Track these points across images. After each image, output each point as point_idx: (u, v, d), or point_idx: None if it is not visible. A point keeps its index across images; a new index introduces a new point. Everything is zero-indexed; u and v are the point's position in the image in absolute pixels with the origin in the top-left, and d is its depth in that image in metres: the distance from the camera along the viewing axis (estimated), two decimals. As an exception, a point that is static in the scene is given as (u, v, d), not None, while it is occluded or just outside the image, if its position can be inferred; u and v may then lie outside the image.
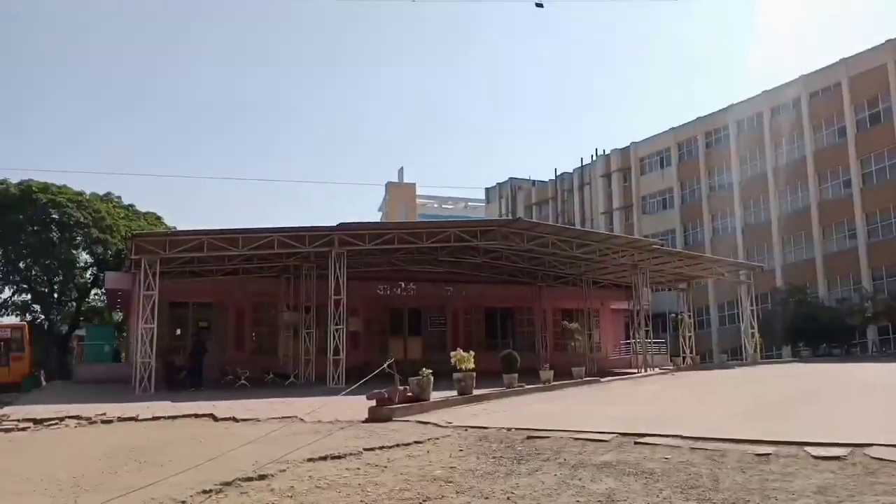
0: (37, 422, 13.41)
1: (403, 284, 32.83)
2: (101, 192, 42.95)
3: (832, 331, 38.12)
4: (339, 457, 8.73)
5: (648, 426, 9.99)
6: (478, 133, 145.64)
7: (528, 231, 25.80)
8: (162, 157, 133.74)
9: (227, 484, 7.38)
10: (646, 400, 15.10)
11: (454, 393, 14.10)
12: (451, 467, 7.99)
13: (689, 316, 32.31)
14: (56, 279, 39.16)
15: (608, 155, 69.64)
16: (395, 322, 34.54)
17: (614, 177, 68.26)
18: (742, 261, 36.83)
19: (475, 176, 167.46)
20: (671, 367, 27.20)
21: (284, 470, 8.01)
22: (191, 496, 6.94)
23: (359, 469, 8.10)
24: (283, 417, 12.91)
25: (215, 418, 13.47)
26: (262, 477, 7.67)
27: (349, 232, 23.25)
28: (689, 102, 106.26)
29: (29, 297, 40.99)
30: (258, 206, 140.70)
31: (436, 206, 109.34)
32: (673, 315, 31.82)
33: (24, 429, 12.96)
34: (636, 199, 65.03)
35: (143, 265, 20.97)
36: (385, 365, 12.87)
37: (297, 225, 22.49)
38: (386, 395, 11.97)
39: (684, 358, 30.44)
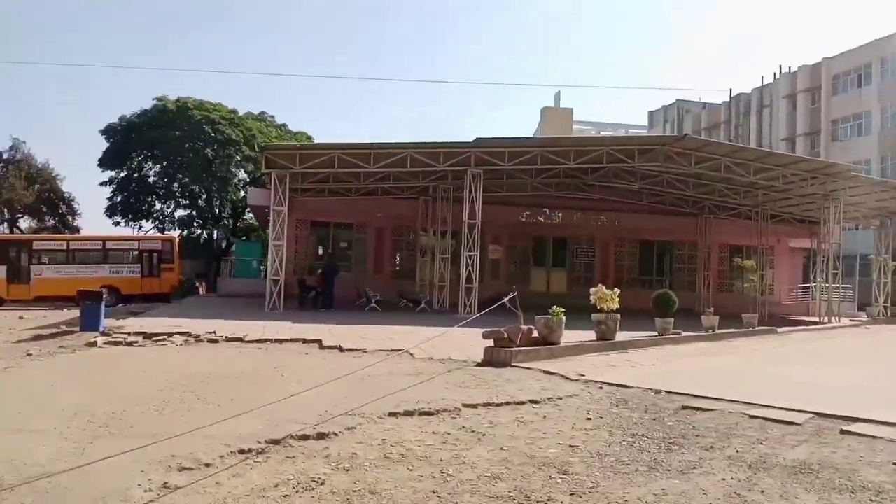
0: (146, 336, 12.83)
1: (548, 211, 30.29)
2: (256, 112, 43.58)
3: None
4: (429, 413, 6.83)
5: (856, 404, 7.17)
6: (641, 52, 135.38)
7: (697, 151, 22.14)
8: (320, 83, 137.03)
9: (276, 442, 5.72)
10: (841, 361, 11.93)
11: (593, 336, 11.75)
12: (572, 446, 5.81)
13: (889, 260, 27.14)
14: (214, 195, 40.50)
15: (795, 72, 61.12)
16: (539, 252, 32.25)
17: (800, 98, 59.96)
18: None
19: (639, 102, 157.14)
20: (863, 319, 22.79)
21: (354, 428, 6.23)
22: (221, 456, 5.32)
23: (448, 434, 6.14)
24: (392, 350, 11.29)
25: (321, 345, 12.19)
26: (321, 436, 5.93)
27: (487, 149, 21.00)
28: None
29: (190, 212, 42.92)
30: (414, 129, 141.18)
31: (594, 132, 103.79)
32: (869, 256, 26.75)
33: (131, 343, 12.37)
34: (825, 124, 56.80)
35: (272, 179, 20.10)
36: (506, 298, 10.72)
37: (431, 140, 20.53)
38: (506, 335, 9.88)
39: (883, 310, 25.61)
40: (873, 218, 28.18)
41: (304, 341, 12.51)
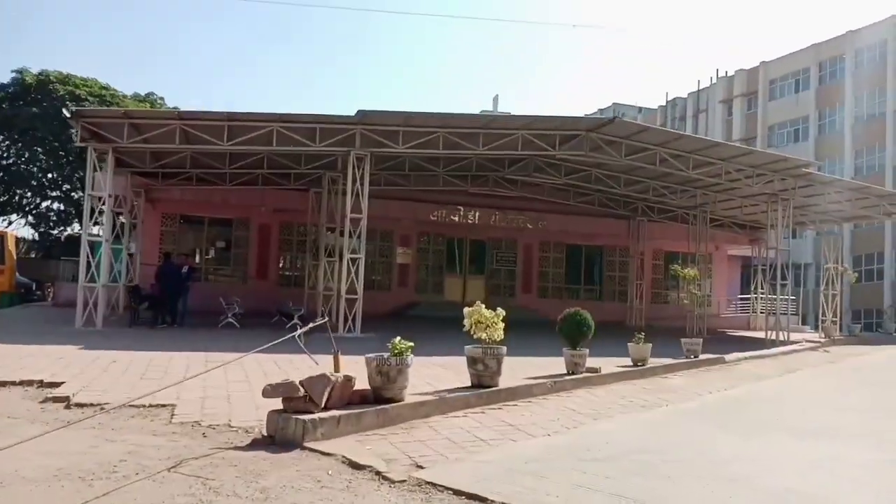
0: None
1: (463, 210, 26.41)
2: (145, 93, 38.29)
3: None
4: None
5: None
6: (578, 56, 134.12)
7: (629, 139, 18.58)
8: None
9: None
10: (823, 418, 8.19)
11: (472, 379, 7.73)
12: None
13: (849, 269, 24.39)
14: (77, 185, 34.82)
15: (731, 76, 59.48)
16: (454, 256, 28.32)
17: (736, 102, 58.29)
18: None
19: (577, 107, 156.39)
20: (819, 339, 19.63)
21: None
22: None
23: None
24: (151, 406, 7.02)
25: (42, 387, 7.89)
26: None
27: (374, 126, 16.90)
28: (837, 15, 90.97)
29: (67, 207, 37.33)
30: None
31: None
32: (807, 265, 23.83)
33: None
34: (761, 130, 55.08)
35: (89, 156, 15.44)
36: (303, 330, 6.65)
37: (302, 112, 16.30)
38: (302, 392, 5.76)
39: (832, 325, 22.62)
40: (823, 223, 25.36)
41: (18, 384, 8.12)
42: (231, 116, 15.99)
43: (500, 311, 7.53)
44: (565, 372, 9.09)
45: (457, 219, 26.43)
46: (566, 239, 29.07)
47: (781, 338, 19.33)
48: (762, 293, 24.41)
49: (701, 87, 63.09)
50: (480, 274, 28.46)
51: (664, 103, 66.96)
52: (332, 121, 16.70)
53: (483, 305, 7.65)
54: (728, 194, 23.33)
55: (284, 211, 25.06)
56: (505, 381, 7.89)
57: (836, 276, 23.78)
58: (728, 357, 12.65)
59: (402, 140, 17.29)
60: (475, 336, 7.54)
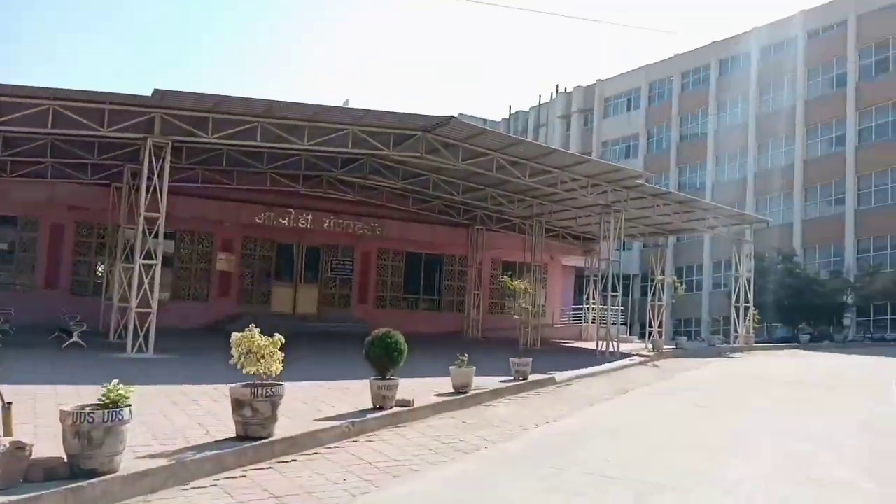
0: None
1: (294, 213, 24.32)
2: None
3: (823, 310, 31.60)
4: None
5: None
6: (422, 68, 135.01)
7: (467, 142, 17.56)
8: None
9: None
10: (697, 465, 7.11)
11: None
12: None
13: (678, 281, 25.04)
14: None
15: (570, 93, 61.69)
16: (284, 263, 26.12)
17: (574, 118, 60.49)
18: (747, 212, 29.34)
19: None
20: (648, 352, 19.66)
21: None
22: None
23: None
24: None
25: None
26: None
27: (177, 110, 14.56)
28: (668, 40, 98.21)
29: None
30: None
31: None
32: (661, 277, 24.23)
33: None
34: (596, 145, 57.43)
35: None
36: None
37: (89, 90, 13.65)
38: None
39: (658, 335, 23.03)
40: (651, 235, 25.96)
41: None
42: (-12, 88, 13.01)
43: (278, 338, 5.84)
44: (371, 406, 7.55)
45: (286, 222, 24.28)
46: (406, 247, 27.83)
47: (612, 349, 19.15)
48: (594, 303, 24.49)
49: (542, 102, 64.92)
50: (313, 283, 26.45)
51: (507, 116, 68.25)
52: (124, 101, 14.17)
53: (258, 330, 5.91)
54: (564, 205, 23.15)
55: (81, 208, 21.70)
56: (288, 426, 6.21)
57: (663, 288, 24.34)
58: (559, 377, 11.75)
59: (211, 128, 15.08)
60: (245, 371, 5.79)
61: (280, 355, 5.84)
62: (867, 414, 10.04)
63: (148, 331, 14.13)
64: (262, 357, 5.72)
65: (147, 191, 14.52)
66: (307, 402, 8.57)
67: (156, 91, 13.60)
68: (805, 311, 31.48)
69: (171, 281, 23.95)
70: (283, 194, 23.42)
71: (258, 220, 23.87)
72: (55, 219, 21.88)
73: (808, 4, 44.23)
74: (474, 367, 9.24)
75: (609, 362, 15.94)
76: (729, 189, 45.98)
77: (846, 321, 34.86)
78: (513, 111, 68.39)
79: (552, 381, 11.32)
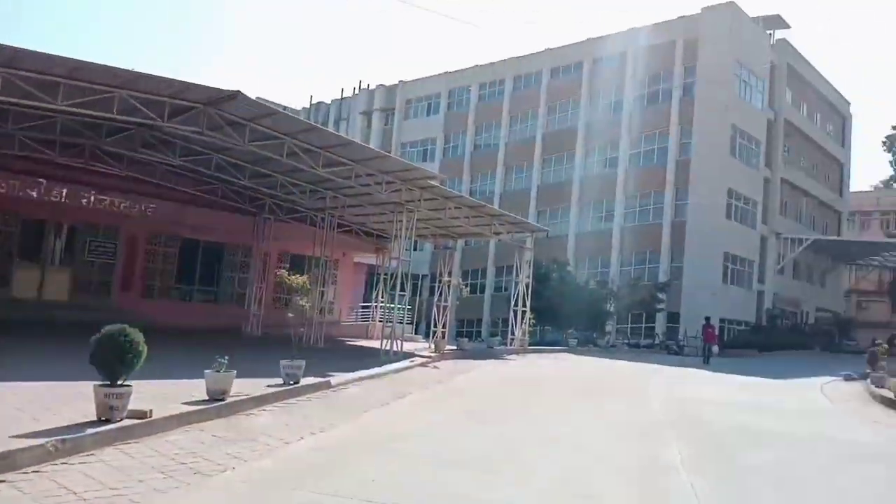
0: None
1: (46, 184, 21.06)
2: None
3: (590, 315, 34.26)
4: None
5: None
6: (220, 45, 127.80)
7: (255, 122, 16.16)
8: None
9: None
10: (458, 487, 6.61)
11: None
12: None
13: (463, 283, 25.41)
14: None
15: (373, 90, 61.41)
16: (30, 242, 22.56)
17: (376, 116, 60.33)
18: (530, 221, 30.67)
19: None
20: (428, 353, 19.58)
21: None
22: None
23: None
24: None
25: None
26: None
27: None
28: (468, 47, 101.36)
29: None
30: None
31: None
32: (448, 279, 24.43)
33: None
34: (395, 145, 57.61)
35: None
36: None
37: None
38: None
39: (441, 335, 23.23)
40: (441, 237, 26.20)
41: None
42: None
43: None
44: (96, 418, 6.21)
45: (35, 194, 20.93)
46: (181, 231, 25.39)
47: (396, 348, 18.83)
48: (382, 302, 24.17)
49: (344, 96, 63.98)
50: (67, 265, 23.17)
51: (308, 105, 66.35)
52: None
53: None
54: (359, 200, 22.50)
55: None
56: None
57: (449, 289, 24.67)
58: (335, 380, 11.00)
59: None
60: None
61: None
62: (631, 419, 10.52)
63: None
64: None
65: None
66: (24, 408, 6.98)
67: None
68: (574, 317, 33.86)
69: None
70: (34, 161, 20.13)
71: (1, 190, 20.30)
72: None
73: (594, 33, 48.02)
74: (234, 372, 8.14)
75: (391, 363, 15.51)
76: (515, 199, 48.41)
77: (608, 327, 38.20)
78: (314, 101, 66.63)
79: (327, 385, 10.53)
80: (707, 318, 28.66)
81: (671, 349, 33.93)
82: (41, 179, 20.91)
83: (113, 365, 6.13)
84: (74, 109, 14.54)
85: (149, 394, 8.29)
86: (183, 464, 5.66)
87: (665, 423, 10.27)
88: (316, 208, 24.04)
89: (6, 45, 12.23)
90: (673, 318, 39.40)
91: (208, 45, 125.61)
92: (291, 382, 9.76)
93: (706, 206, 39.80)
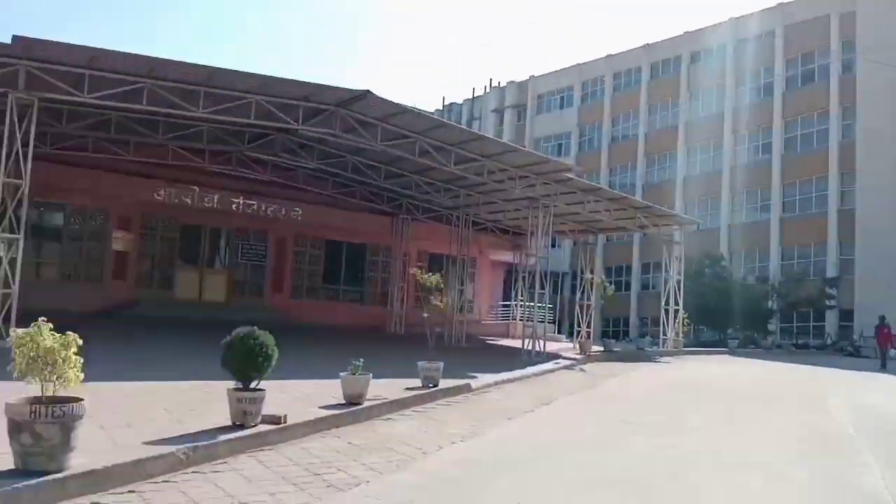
0: None
1: (199, 191, 22.24)
2: None
3: (749, 314, 31.59)
4: None
5: None
6: (352, 47, 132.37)
7: (386, 122, 16.06)
8: None
9: None
10: None
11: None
12: None
13: (607, 281, 24.27)
14: None
15: (504, 87, 60.89)
16: (189, 246, 23.99)
17: (508, 113, 59.71)
18: (677, 213, 28.72)
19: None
20: (574, 355, 18.59)
21: None
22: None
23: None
24: None
25: None
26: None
27: (46, 63, 12.49)
28: (602, 37, 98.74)
29: None
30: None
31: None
32: (591, 276, 23.35)
33: None
34: (529, 142, 56.62)
35: None
36: None
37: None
38: None
39: (586, 335, 22.16)
40: (580, 233, 25.08)
41: None
42: None
43: (73, 337, 4.23)
44: (230, 423, 6.00)
45: (190, 201, 22.16)
46: (326, 234, 26.08)
47: (538, 348, 18.06)
48: (522, 300, 23.49)
49: (476, 96, 63.92)
50: (222, 268, 24.43)
51: (441, 107, 66.93)
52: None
53: (50, 324, 4.28)
54: (492, 197, 22.00)
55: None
56: (108, 449, 4.61)
57: (592, 287, 23.53)
58: (475, 383, 10.44)
59: (87, 87, 13.04)
60: (32, 381, 4.16)
61: (78, 360, 4.23)
62: (812, 432, 9.14)
63: (8, 315, 12.04)
64: (53, 364, 4.11)
65: (10, 154, 12.39)
66: (173, 409, 6.98)
67: (16, 38, 11.52)
68: (732, 316, 31.43)
69: (59, 259, 21.63)
70: (188, 170, 21.35)
71: (157, 197, 21.66)
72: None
73: (736, 13, 44.64)
74: (370, 375, 7.77)
75: (534, 365, 14.74)
76: (659, 191, 45.93)
77: (770, 327, 35.12)
78: (446, 102, 67.12)
79: (467, 389, 10.00)
80: (881, 318, 25.25)
81: (845, 350, 30.50)
82: (194, 187, 22.07)
83: (244, 369, 5.89)
84: (215, 117, 15.06)
85: (290, 395, 8.15)
86: (317, 475, 5.28)
87: (854, 438, 8.81)
88: (451, 207, 23.79)
89: (146, 56, 12.78)
90: (845, 316, 35.58)
91: (342, 51, 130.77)
92: (430, 385, 9.31)
93: (877, 192, 35.56)
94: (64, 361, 4.11)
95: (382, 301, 26.81)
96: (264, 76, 13.79)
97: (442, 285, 10.79)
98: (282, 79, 13.94)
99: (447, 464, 6.01)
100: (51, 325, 4.24)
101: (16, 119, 12.29)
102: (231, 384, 6.19)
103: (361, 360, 7.60)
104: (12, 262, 12.37)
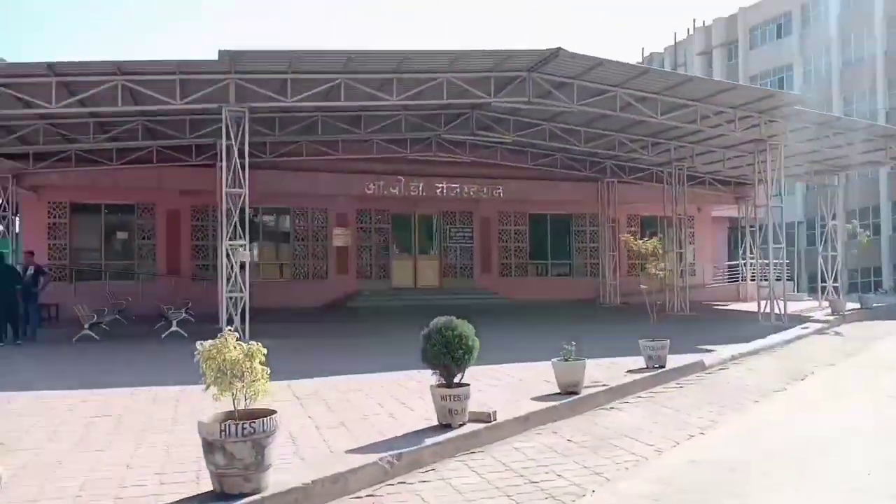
0: None
1: (404, 180, 22.70)
2: None
3: None
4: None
5: None
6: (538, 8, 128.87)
7: (582, 79, 14.92)
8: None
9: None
10: None
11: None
12: None
13: (860, 227, 21.04)
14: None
15: (709, 26, 55.72)
16: (400, 235, 24.72)
17: (716, 53, 54.57)
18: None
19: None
20: (826, 316, 16.11)
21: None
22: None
23: None
24: None
25: None
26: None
27: (251, 73, 13.16)
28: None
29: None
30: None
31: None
32: (832, 222, 20.29)
33: None
34: (744, 80, 51.16)
35: None
36: None
37: (157, 58, 12.55)
38: None
39: (833, 291, 19.26)
40: (817, 174, 21.84)
41: None
42: (56, 69, 12.17)
43: (257, 347, 3.95)
44: (437, 423, 5.55)
45: (397, 191, 22.73)
46: (528, 208, 25.47)
47: (777, 311, 15.93)
48: (751, 258, 21.03)
49: (678, 41, 59.32)
50: (433, 253, 24.90)
51: (640, 60, 63.07)
52: (192, 69, 12.93)
53: (236, 335, 4.05)
54: (708, 145, 19.87)
55: (193, 192, 21.24)
56: (314, 458, 4.36)
57: (835, 235, 20.39)
58: (709, 359, 9.14)
59: (290, 91, 13.56)
60: (220, 397, 3.97)
61: (265, 371, 3.96)
62: None
63: (243, 317, 12.98)
64: (241, 376, 3.87)
65: (229, 165, 13.30)
66: (385, 403, 6.79)
67: (223, 52, 12.18)
68: None
69: (290, 259, 23.39)
70: (391, 161, 21.88)
71: (368, 191, 22.49)
72: (170, 204, 21.69)
73: None
74: (584, 361, 6.95)
75: (776, 333, 12.86)
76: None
77: None
78: (645, 53, 63.14)
79: (699, 367, 8.76)
80: None
81: None
82: (399, 177, 22.57)
83: (445, 361, 5.40)
84: (408, 102, 14.98)
85: (499, 383, 7.64)
86: (533, 483, 4.63)
87: None
88: (660, 163, 21.95)
89: (340, 51, 12.92)
90: None
91: (519, 15, 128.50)
92: (656, 366, 8.26)
93: None
94: (251, 373, 3.86)
95: (593, 272, 25.67)
96: (452, 51, 13.38)
97: (660, 251, 9.58)
98: (468, 51, 13.43)
99: (685, 465, 5.05)
100: (237, 335, 4.02)
101: (231, 131, 13.14)
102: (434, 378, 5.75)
103: (573, 343, 6.82)
104: (242, 267, 13.24)
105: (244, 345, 3.93)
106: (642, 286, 9.57)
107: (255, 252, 23.96)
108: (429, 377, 5.79)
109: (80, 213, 21.37)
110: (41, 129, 16.12)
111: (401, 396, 7.10)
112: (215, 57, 12.30)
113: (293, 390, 7.37)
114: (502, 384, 7.56)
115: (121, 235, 22.17)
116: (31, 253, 15.43)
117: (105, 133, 16.98)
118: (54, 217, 20.99)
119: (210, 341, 3.92)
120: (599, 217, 24.72)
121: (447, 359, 5.35)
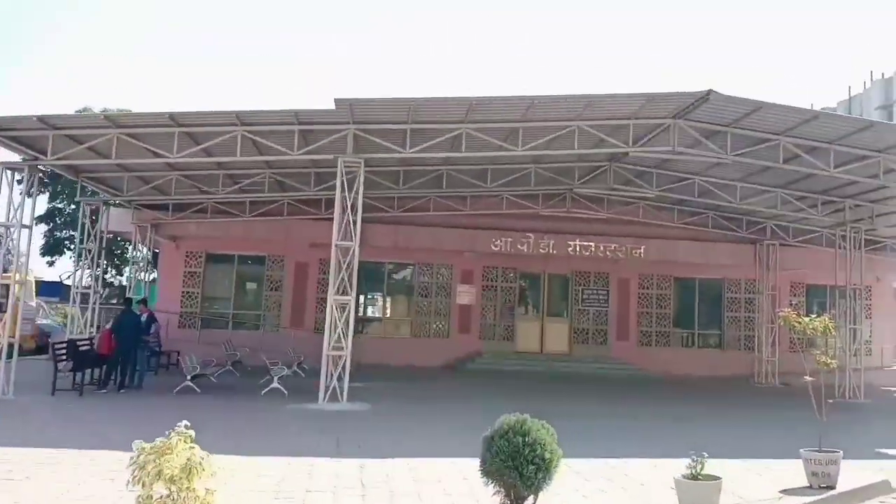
0: None
1: (533, 238, 21.33)
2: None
3: None
4: None
5: None
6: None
7: (737, 126, 13.03)
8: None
9: None
10: None
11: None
12: None
13: None
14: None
15: (889, 78, 50.34)
16: (528, 295, 23.29)
17: (897, 108, 49.01)
18: None
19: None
20: None
21: None
22: None
23: None
24: None
25: None
26: None
27: (370, 124, 12.58)
28: None
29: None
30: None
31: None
32: None
33: None
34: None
35: (2, 176, 12.16)
36: None
37: (273, 108, 12.32)
38: None
39: None
40: None
41: None
42: (178, 118, 12.22)
43: (202, 464, 2.76)
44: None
45: (526, 249, 21.39)
46: (673, 270, 23.13)
47: None
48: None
49: (852, 95, 53.92)
50: (562, 316, 23.15)
51: (846, 98, 56.92)
52: (313, 119, 12.57)
53: (191, 433, 2.89)
54: (890, 205, 16.95)
55: (321, 245, 21.08)
56: None
57: None
58: (899, 478, 6.86)
59: (409, 141, 12.83)
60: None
61: (209, 495, 2.76)
62: None
63: (342, 372, 12.12)
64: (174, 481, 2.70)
65: (342, 216, 12.69)
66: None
67: (339, 101, 11.67)
68: None
69: (411, 317, 22.63)
70: (522, 218, 20.76)
71: (494, 248, 21.33)
72: (299, 257, 21.72)
73: None
74: (719, 481, 5.16)
75: None
76: None
77: None
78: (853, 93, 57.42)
79: (885, 489, 6.54)
80: None
81: None
82: (529, 234, 21.28)
83: (510, 481, 3.93)
84: (535, 152, 13.83)
85: (614, 486, 5.97)
86: None
87: None
88: (832, 224, 19.04)
89: (461, 97, 12.01)
90: None
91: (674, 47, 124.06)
92: (822, 485, 6.19)
93: None
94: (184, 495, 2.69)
95: (748, 345, 22.71)
96: (584, 95, 12.08)
97: (831, 331, 7.52)
98: (603, 94, 12.10)
99: None
100: (192, 435, 2.88)
101: (345, 182, 12.57)
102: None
103: (705, 454, 5.07)
104: (346, 323, 12.43)
105: (195, 451, 2.79)
106: (807, 378, 7.50)
107: (379, 306, 23.60)
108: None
109: (214, 262, 21.92)
110: (174, 180, 16.55)
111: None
112: (332, 105, 11.82)
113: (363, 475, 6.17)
114: (613, 488, 5.90)
115: (250, 286, 22.51)
116: (145, 301, 15.64)
117: (235, 184, 17.19)
118: (190, 266, 21.63)
119: (151, 444, 2.80)
120: (757, 284, 21.93)
121: (513, 476, 3.90)
